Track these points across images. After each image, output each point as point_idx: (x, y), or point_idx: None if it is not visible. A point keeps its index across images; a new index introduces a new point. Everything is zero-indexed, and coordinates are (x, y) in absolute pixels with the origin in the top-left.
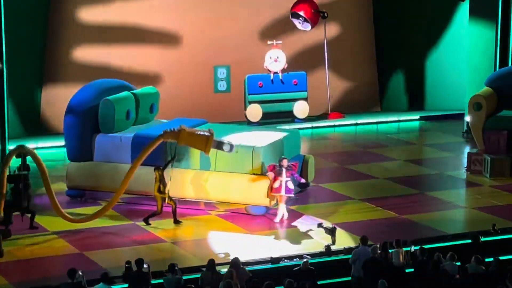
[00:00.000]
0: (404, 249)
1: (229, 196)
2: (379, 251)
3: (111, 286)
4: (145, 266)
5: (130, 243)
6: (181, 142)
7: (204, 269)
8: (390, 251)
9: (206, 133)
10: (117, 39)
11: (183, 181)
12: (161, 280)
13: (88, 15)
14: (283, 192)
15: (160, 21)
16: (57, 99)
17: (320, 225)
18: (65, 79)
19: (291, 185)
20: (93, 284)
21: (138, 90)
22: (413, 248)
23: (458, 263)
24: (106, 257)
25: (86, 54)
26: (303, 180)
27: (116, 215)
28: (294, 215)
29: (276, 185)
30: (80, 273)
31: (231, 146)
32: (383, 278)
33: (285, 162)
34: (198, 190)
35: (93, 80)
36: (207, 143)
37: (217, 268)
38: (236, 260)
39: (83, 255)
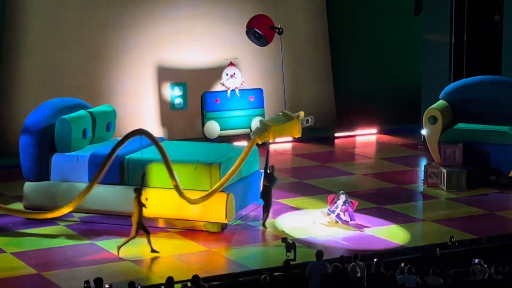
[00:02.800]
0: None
1: (187, 213)
2: (338, 265)
3: None
4: (106, 286)
5: (89, 263)
6: (275, 136)
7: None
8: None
9: (293, 115)
10: (72, 57)
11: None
12: None
13: (41, 35)
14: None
15: (117, 38)
16: (12, 118)
17: (284, 240)
18: (19, 98)
19: (341, 217)
20: None
21: (95, 109)
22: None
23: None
24: (64, 277)
25: (40, 72)
26: (352, 221)
27: (74, 235)
28: (253, 231)
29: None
30: None
31: (312, 118)
32: None
33: (342, 198)
34: (156, 208)
35: (49, 100)
36: (298, 126)
37: (176, 285)
38: (196, 277)
39: (40, 276)
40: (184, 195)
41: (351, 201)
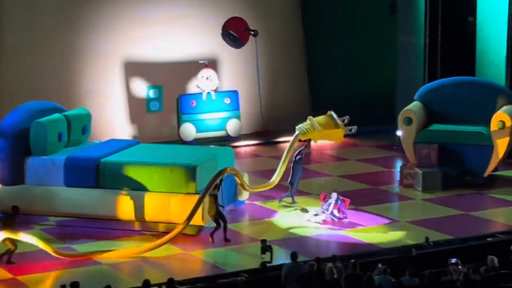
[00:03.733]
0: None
1: (164, 216)
2: (313, 264)
3: None
4: None
5: (65, 266)
6: (317, 139)
7: None
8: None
9: (339, 122)
10: (47, 61)
11: (118, 202)
12: None
13: (15, 39)
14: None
15: (92, 41)
16: None
17: (263, 242)
18: None
19: (335, 214)
20: None
21: (70, 112)
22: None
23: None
24: (40, 281)
25: (15, 76)
26: (345, 219)
27: (50, 238)
28: (229, 233)
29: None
30: None
31: (355, 128)
32: None
33: (334, 197)
34: (132, 211)
35: (24, 103)
36: (341, 135)
37: None
38: (171, 280)
39: (16, 280)
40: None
41: (343, 199)
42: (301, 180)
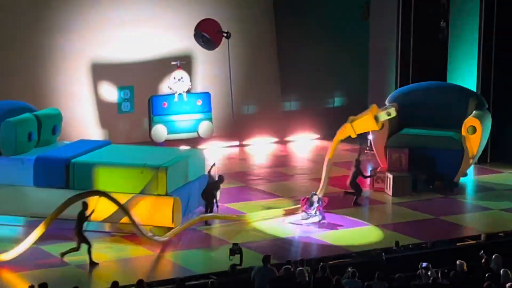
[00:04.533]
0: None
1: (134, 217)
2: (289, 267)
3: None
4: None
5: (33, 267)
6: (356, 131)
7: None
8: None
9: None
10: (18, 60)
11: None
12: None
13: None
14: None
15: (62, 41)
16: None
17: (235, 245)
18: None
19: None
20: None
21: (40, 112)
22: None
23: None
24: (8, 282)
25: None
26: (324, 220)
27: (18, 239)
28: (198, 235)
29: (303, 217)
30: None
31: (392, 110)
32: None
33: (315, 198)
34: (102, 212)
35: None
36: (371, 120)
37: None
38: (140, 281)
39: None
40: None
41: (323, 199)
42: (271, 183)
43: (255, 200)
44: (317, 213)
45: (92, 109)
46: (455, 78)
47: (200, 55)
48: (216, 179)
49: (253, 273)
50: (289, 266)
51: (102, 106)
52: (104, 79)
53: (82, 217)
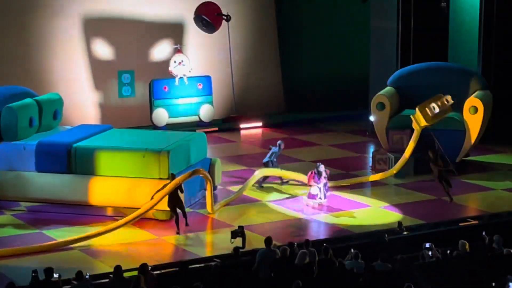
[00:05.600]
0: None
1: (136, 201)
2: (286, 248)
3: None
4: (55, 275)
5: (37, 252)
6: (429, 122)
7: (111, 275)
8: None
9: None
10: (17, 45)
11: (89, 188)
12: None
13: None
14: (323, 198)
15: (62, 26)
16: None
17: (241, 228)
18: None
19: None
20: None
21: (41, 97)
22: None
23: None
24: (12, 267)
25: None
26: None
27: (21, 224)
28: (202, 219)
29: (314, 191)
30: None
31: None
32: (293, 278)
33: (322, 168)
34: (105, 196)
35: None
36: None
37: (125, 274)
38: (144, 265)
39: None
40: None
41: (326, 170)
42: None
43: (257, 183)
44: (326, 183)
45: (93, 93)
46: (456, 58)
47: (201, 38)
48: None
49: (257, 256)
50: (287, 247)
51: (104, 91)
52: (105, 64)
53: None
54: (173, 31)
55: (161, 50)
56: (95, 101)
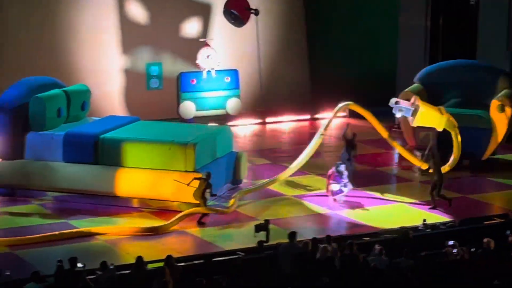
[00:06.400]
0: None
1: (162, 193)
2: (307, 243)
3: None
4: (79, 265)
5: (62, 242)
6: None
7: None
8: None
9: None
10: (47, 36)
11: (116, 179)
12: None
13: (16, 13)
14: (342, 196)
15: (92, 18)
16: None
17: (266, 221)
18: None
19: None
20: (24, 284)
21: (69, 88)
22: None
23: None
24: (38, 256)
25: (15, 51)
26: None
27: (48, 214)
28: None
29: (335, 188)
30: (8, 273)
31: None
32: (314, 273)
33: (343, 167)
34: (130, 188)
35: (23, 78)
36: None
37: (149, 266)
38: (169, 257)
39: (14, 254)
40: None
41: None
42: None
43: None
44: (347, 183)
45: (121, 85)
46: (484, 57)
47: (229, 32)
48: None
49: (279, 249)
50: (308, 242)
51: (131, 83)
52: (134, 56)
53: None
54: (202, 25)
55: (189, 43)
56: (123, 92)
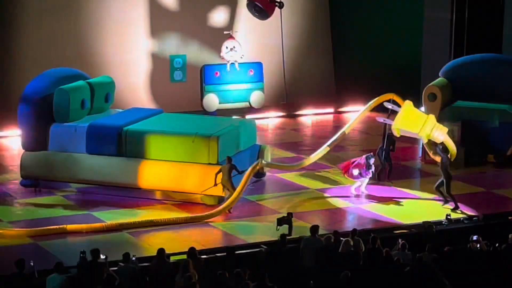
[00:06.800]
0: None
1: (184, 185)
2: (330, 236)
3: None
4: (102, 257)
5: (85, 233)
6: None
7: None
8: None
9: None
10: (71, 27)
11: (139, 171)
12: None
13: (40, 4)
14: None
15: (116, 9)
16: (11, 88)
17: (289, 214)
18: (19, 68)
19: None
20: (47, 275)
21: (93, 79)
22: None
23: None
24: (60, 247)
25: (39, 42)
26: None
27: (71, 205)
28: (250, 205)
29: (355, 172)
30: (31, 264)
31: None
32: (337, 267)
33: (372, 161)
34: (153, 180)
35: (47, 70)
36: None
37: (172, 258)
38: (192, 249)
39: (37, 245)
40: None
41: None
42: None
43: (305, 171)
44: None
45: (145, 77)
46: (510, 50)
47: (253, 24)
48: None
49: (302, 243)
50: (331, 235)
51: (155, 75)
52: (158, 48)
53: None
54: (226, 17)
55: (213, 36)
56: (147, 85)
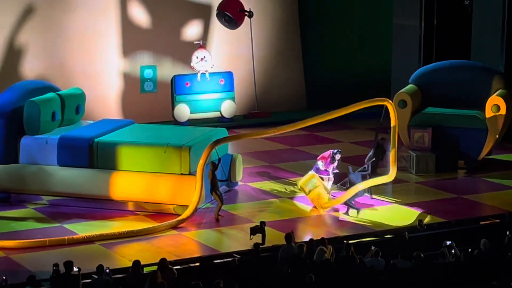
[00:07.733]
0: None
1: (157, 196)
2: (302, 245)
3: None
4: (75, 269)
5: (58, 246)
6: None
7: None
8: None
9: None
10: (41, 39)
11: (111, 182)
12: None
13: (9, 16)
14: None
15: (85, 20)
16: None
17: (263, 223)
18: None
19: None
20: None
21: (64, 91)
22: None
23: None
24: (33, 260)
25: (8, 54)
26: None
27: (42, 218)
28: (224, 214)
29: (321, 167)
30: (4, 278)
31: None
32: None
33: (338, 157)
34: (126, 191)
35: (17, 82)
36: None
37: (145, 269)
38: (163, 260)
39: (9, 258)
40: None
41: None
42: (293, 162)
43: (278, 179)
44: (334, 171)
45: (115, 88)
46: (479, 57)
47: (223, 34)
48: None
49: (280, 252)
50: (303, 244)
51: (125, 86)
52: (128, 59)
53: (214, 177)
54: (196, 27)
55: (184, 46)
56: (117, 96)
